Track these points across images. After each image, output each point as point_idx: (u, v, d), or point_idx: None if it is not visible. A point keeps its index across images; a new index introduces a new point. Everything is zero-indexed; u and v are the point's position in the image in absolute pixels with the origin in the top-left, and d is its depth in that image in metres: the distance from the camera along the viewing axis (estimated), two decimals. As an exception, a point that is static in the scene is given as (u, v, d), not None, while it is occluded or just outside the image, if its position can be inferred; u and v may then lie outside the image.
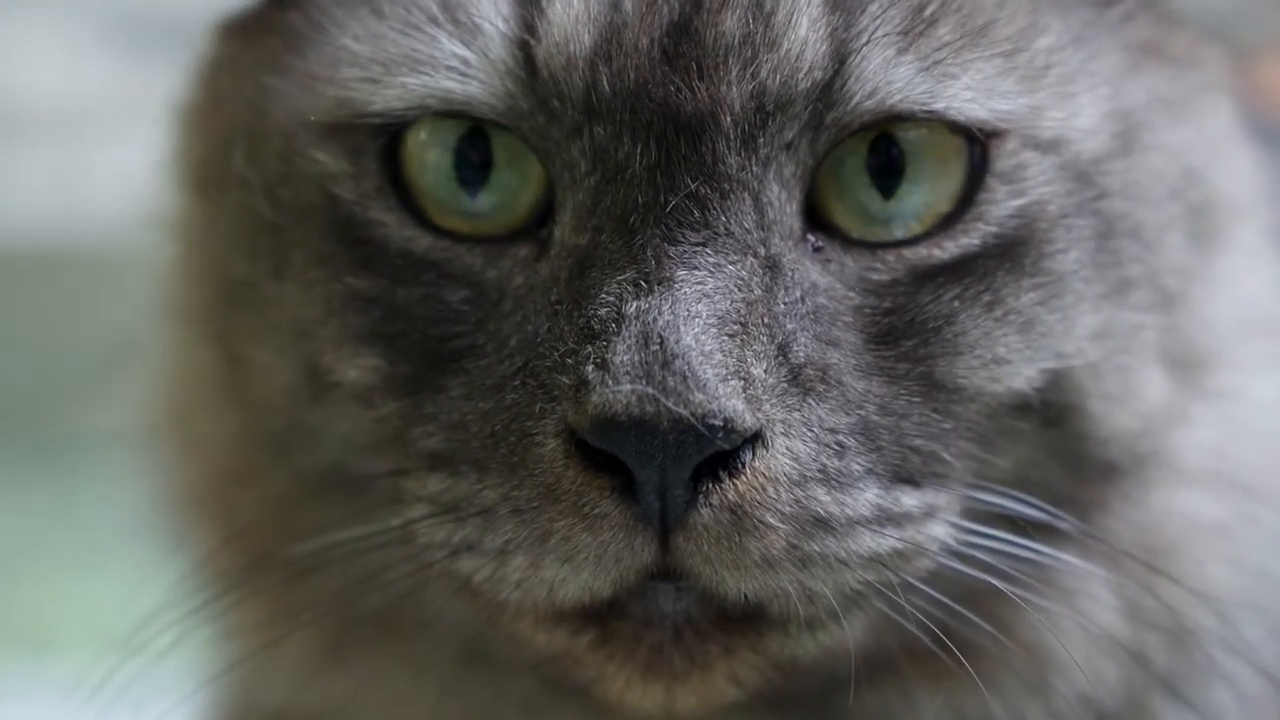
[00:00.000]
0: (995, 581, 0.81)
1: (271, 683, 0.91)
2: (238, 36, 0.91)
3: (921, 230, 0.81)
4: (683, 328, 0.76)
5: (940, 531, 0.80)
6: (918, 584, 0.80)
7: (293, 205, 0.84)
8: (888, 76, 0.79)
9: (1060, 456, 0.84)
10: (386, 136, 0.82)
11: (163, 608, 0.89)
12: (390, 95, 0.81)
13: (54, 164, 2.24)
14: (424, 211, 0.82)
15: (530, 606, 0.80)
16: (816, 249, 0.80)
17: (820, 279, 0.80)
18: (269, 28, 0.88)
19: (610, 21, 0.79)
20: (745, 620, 0.79)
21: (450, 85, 0.80)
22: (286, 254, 0.85)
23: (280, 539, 0.87)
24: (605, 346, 0.76)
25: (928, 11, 0.80)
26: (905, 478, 0.79)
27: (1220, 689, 0.87)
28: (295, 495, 0.87)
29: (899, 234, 0.81)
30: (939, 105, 0.80)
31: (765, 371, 0.77)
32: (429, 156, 0.82)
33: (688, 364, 0.75)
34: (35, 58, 2.31)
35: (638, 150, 0.78)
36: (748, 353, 0.76)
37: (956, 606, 0.81)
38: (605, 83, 0.79)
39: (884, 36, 0.79)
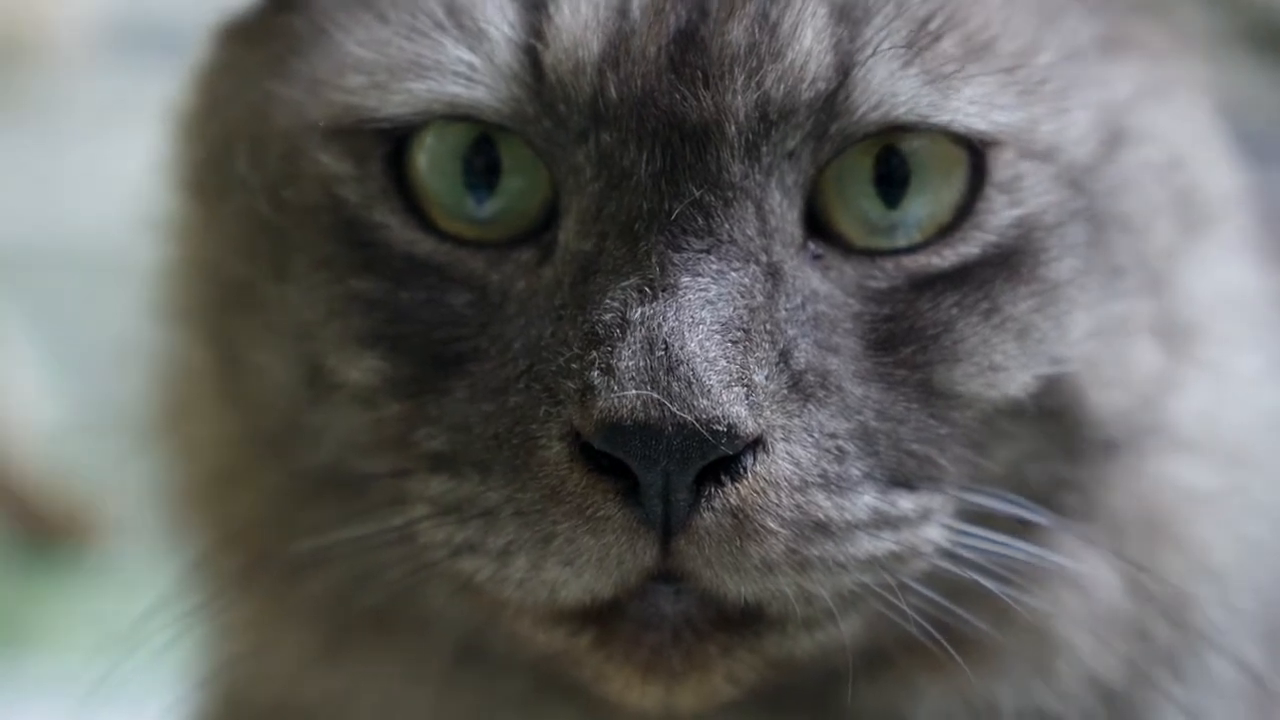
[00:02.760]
0: (988, 584, 0.82)
1: (267, 679, 0.92)
2: (237, 40, 0.91)
3: (922, 239, 0.82)
4: (687, 334, 0.77)
5: (935, 533, 0.82)
6: (913, 584, 0.82)
7: (296, 207, 0.85)
8: (893, 89, 0.80)
9: (1058, 444, 0.85)
10: (392, 141, 0.83)
11: (159, 606, 0.90)
12: (396, 101, 0.82)
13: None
14: (429, 215, 0.83)
15: (531, 606, 0.81)
16: (816, 256, 0.81)
17: (820, 286, 0.81)
18: (269, 32, 0.89)
19: (618, 28, 0.80)
20: (743, 621, 0.81)
21: (456, 90, 0.81)
22: (288, 256, 0.85)
23: (277, 538, 0.87)
24: (610, 352, 0.77)
25: (933, 25, 0.82)
26: (901, 481, 0.81)
27: (1219, 661, 0.89)
28: (293, 495, 0.87)
29: (901, 243, 0.82)
30: (944, 117, 0.81)
31: (767, 378, 0.78)
32: (436, 162, 0.83)
33: (692, 370, 0.76)
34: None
35: (643, 157, 0.79)
36: (750, 359, 0.78)
37: (952, 606, 0.82)
38: (612, 89, 0.80)
39: (889, 49, 0.81)
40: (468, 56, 0.81)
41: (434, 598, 0.85)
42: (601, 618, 0.81)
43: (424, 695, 0.88)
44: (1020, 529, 0.84)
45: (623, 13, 0.80)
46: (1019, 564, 0.84)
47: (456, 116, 0.82)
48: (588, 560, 0.78)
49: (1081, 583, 0.86)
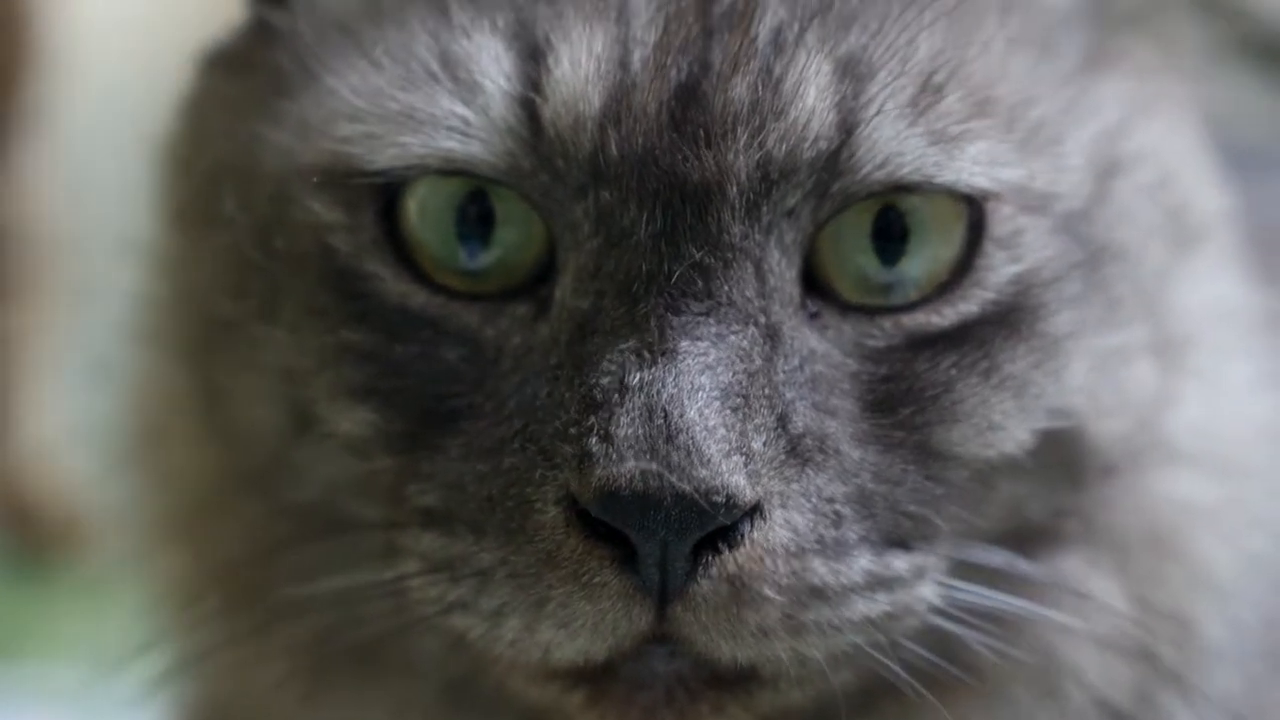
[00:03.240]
0: (983, 636, 0.82)
1: (251, 711, 0.91)
2: (222, 70, 0.90)
3: (920, 297, 0.81)
4: (686, 401, 0.76)
5: (929, 592, 0.81)
6: (907, 641, 0.81)
7: (286, 254, 0.83)
8: (899, 148, 0.79)
9: (1058, 478, 0.85)
10: (385, 191, 0.81)
11: (140, 642, 0.90)
12: (390, 155, 0.80)
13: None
14: (421, 267, 0.81)
15: (523, 664, 0.81)
16: (814, 315, 0.81)
17: (818, 345, 0.80)
18: (255, 65, 0.87)
19: (619, 81, 0.79)
20: (736, 679, 0.80)
21: (450, 145, 0.80)
22: (277, 300, 0.84)
23: (259, 578, 0.86)
24: (608, 418, 0.76)
25: (936, 79, 0.81)
26: (896, 541, 0.80)
27: (1221, 676, 0.89)
28: (275, 533, 0.86)
29: (898, 301, 0.81)
30: (948, 177, 0.80)
31: (765, 444, 0.77)
32: (428, 214, 0.81)
33: (691, 439, 0.76)
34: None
35: (643, 217, 0.78)
36: (749, 426, 0.77)
37: (955, 635, 0.82)
38: (613, 147, 0.78)
39: (894, 107, 0.80)
40: (462, 110, 0.80)
41: (421, 642, 0.85)
42: (594, 676, 0.80)
43: None
44: (1016, 580, 0.84)
45: (624, 65, 0.79)
46: (1025, 587, 0.84)
47: (450, 171, 0.80)
48: (583, 624, 0.78)
49: (1087, 604, 0.86)
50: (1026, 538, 0.85)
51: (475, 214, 0.81)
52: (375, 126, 0.81)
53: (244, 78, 0.88)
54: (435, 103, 0.80)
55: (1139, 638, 0.86)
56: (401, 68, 0.81)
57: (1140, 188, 0.87)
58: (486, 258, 0.81)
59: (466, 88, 0.80)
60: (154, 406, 0.92)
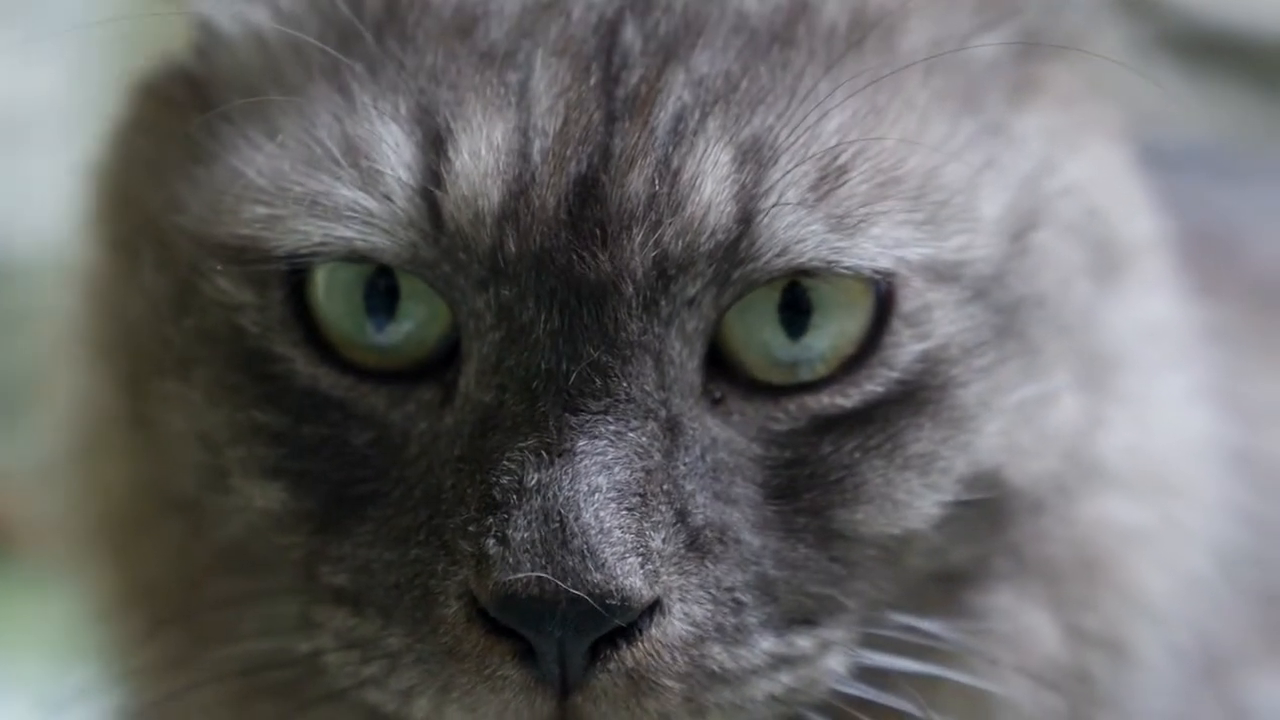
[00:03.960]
0: (898, 700, 0.83)
1: None
2: (151, 102, 0.89)
3: (827, 372, 0.81)
4: (582, 504, 0.77)
5: (835, 663, 0.82)
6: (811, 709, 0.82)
7: (198, 329, 0.84)
8: (798, 235, 0.79)
9: (980, 525, 0.85)
10: (293, 273, 0.82)
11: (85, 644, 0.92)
12: (294, 240, 0.80)
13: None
14: (331, 344, 0.82)
15: None
16: (716, 401, 0.81)
17: (720, 433, 0.80)
18: (176, 108, 0.87)
19: (518, 175, 0.79)
20: None
21: (351, 234, 0.80)
22: (192, 369, 0.85)
23: (183, 600, 0.88)
24: (506, 520, 0.77)
25: (841, 160, 0.80)
26: (800, 620, 0.81)
27: (1157, 698, 0.90)
28: (199, 559, 0.88)
29: (805, 376, 0.81)
30: (849, 262, 0.80)
31: (664, 541, 0.78)
32: (336, 292, 0.82)
33: (586, 543, 0.77)
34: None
35: (541, 316, 0.78)
36: (646, 525, 0.78)
37: (868, 697, 0.83)
38: (511, 244, 0.78)
39: (795, 196, 0.79)
40: (364, 201, 0.80)
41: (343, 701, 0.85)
42: None
43: None
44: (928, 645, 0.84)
45: (524, 156, 0.79)
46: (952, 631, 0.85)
47: (354, 258, 0.81)
48: (487, 712, 0.79)
49: (1017, 636, 0.87)
50: (949, 581, 0.86)
51: (383, 287, 0.82)
52: (280, 209, 0.81)
53: (167, 119, 0.87)
54: (336, 191, 0.80)
55: (1071, 664, 0.87)
56: (305, 150, 0.81)
57: (1064, 229, 0.86)
58: (395, 332, 0.82)
59: (368, 177, 0.80)
60: (88, 422, 0.93)
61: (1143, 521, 0.89)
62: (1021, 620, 0.87)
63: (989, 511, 0.85)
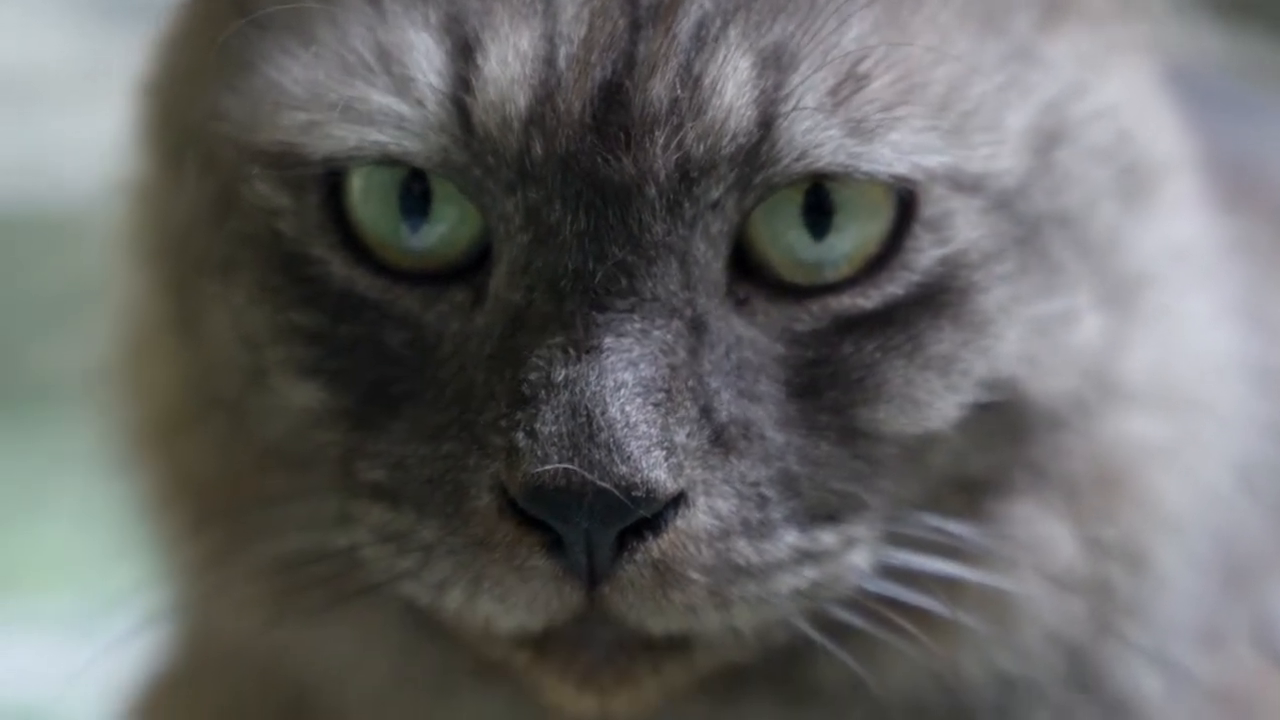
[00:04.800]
0: (918, 596, 0.85)
1: (220, 630, 0.95)
2: (192, 11, 0.91)
3: (851, 273, 0.83)
4: (609, 399, 0.79)
5: (860, 559, 0.84)
6: (837, 604, 0.84)
7: (240, 235, 0.86)
8: (817, 139, 0.80)
9: (998, 436, 0.86)
10: (328, 176, 0.84)
11: (118, 552, 0.94)
12: (330, 145, 0.82)
13: (14, 131, 2.25)
14: (366, 247, 0.84)
15: (469, 628, 0.85)
16: (741, 301, 0.82)
17: (745, 332, 0.82)
18: (216, 16, 0.88)
19: (544, 80, 0.80)
20: (672, 644, 0.84)
21: (385, 139, 0.81)
22: (233, 271, 0.87)
23: (225, 496, 0.90)
24: (535, 414, 0.79)
25: (863, 68, 0.81)
26: (824, 516, 0.83)
27: (1177, 607, 0.91)
28: (241, 455, 0.90)
29: (829, 277, 0.82)
30: (866, 167, 0.81)
31: (688, 436, 0.80)
32: (372, 195, 0.83)
33: (612, 437, 0.78)
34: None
35: (568, 218, 0.80)
36: (671, 420, 0.79)
37: (892, 594, 0.84)
38: (538, 148, 0.80)
39: (813, 100, 0.80)
40: (396, 106, 0.81)
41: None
42: (538, 640, 0.84)
43: (380, 659, 0.91)
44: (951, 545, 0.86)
45: (550, 63, 0.80)
46: (969, 536, 0.86)
47: (387, 162, 0.82)
48: (517, 602, 0.81)
49: (1036, 546, 0.88)
50: (970, 489, 0.87)
51: (417, 191, 0.83)
52: (316, 115, 0.83)
53: (208, 29, 0.89)
54: (370, 96, 0.82)
55: (1091, 574, 0.88)
56: (339, 58, 0.83)
57: (1090, 152, 0.87)
58: (429, 234, 0.83)
59: (400, 83, 0.81)
60: (137, 325, 0.95)
61: (1164, 437, 0.90)
62: (1041, 530, 0.88)
63: (1008, 424, 0.86)
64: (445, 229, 0.83)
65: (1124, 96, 0.90)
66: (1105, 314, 0.88)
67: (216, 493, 0.91)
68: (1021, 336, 0.85)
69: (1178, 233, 0.92)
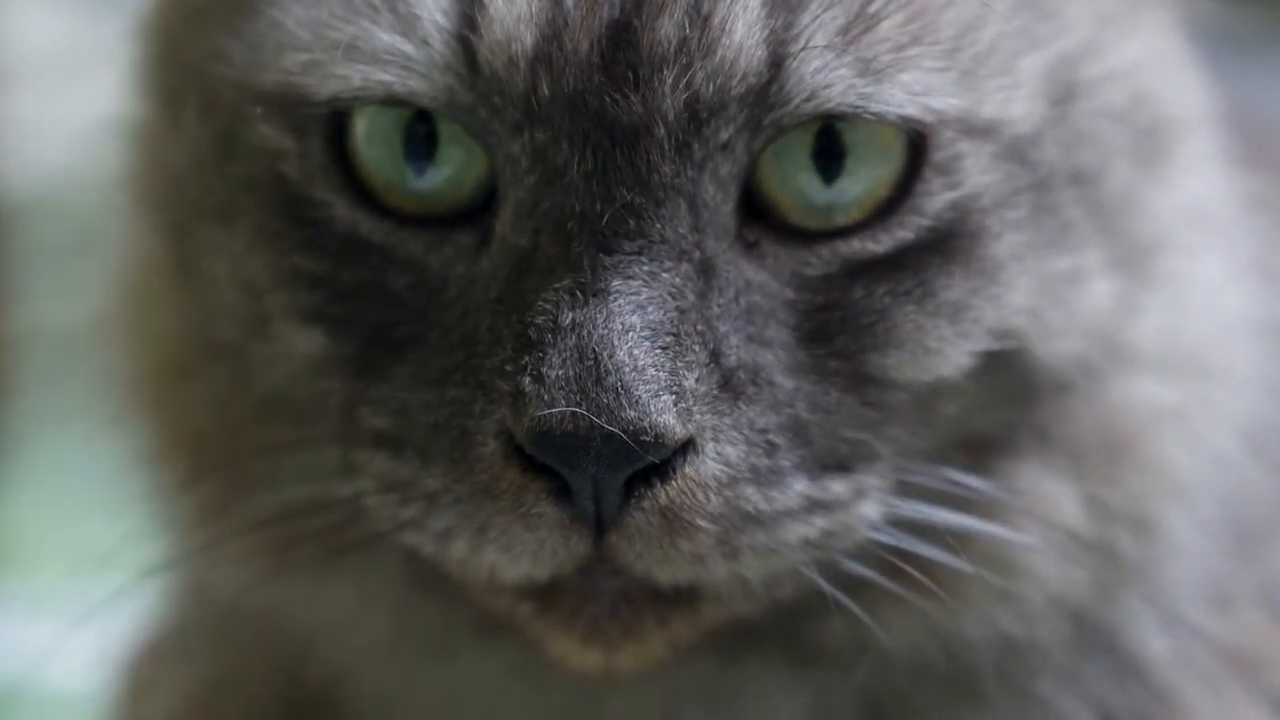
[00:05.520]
0: (928, 549, 0.84)
1: (218, 581, 0.93)
2: None
3: (861, 217, 0.82)
4: (616, 342, 0.78)
5: (870, 510, 0.83)
6: (847, 556, 0.83)
7: (241, 177, 0.85)
8: (826, 79, 0.79)
9: (1005, 395, 0.86)
10: (332, 118, 0.83)
11: (115, 499, 0.93)
12: (333, 85, 0.81)
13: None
14: (370, 190, 0.83)
15: (474, 580, 0.83)
16: (751, 245, 0.81)
17: (754, 276, 0.81)
18: None
19: (551, 19, 0.79)
20: (678, 596, 0.83)
21: (390, 78, 0.80)
22: (234, 215, 0.86)
23: (224, 447, 0.89)
24: (541, 359, 0.78)
25: (873, 8, 0.80)
26: (834, 465, 0.82)
27: (1185, 571, 0.91)
28: (242, 408, 0.88)
29: (839, 221, 0.82)
30: (876, 107, 0.80)
31: (697, 380, 0.79)
32: (376, 136, 0.82)
33: (620, 381, 0.77)
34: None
35: (575, 158, 0.79)
36: (680, 364, 0.78)
37: (903, 544, 0.84)
38: (545, 87, 0.79)
39: (823, 39, 0.79)
40: (401, 45, 0.80)
41: (384, 545, 0.86)
42: (542, 591, 0.83)
43: (379, 615, 0.90)
44: (963, 494, 0.85)
45: (557, 2, 0.79)
46: (975, 495, 0.85)
47: (392, 102, 0.81)
48: (523, 551, 0.80)
49: (1040, 507, 0.87)
50: (978, 448, 0.86)
51: (422, 133, 0.82)
52: (320, 55, 0.82)
53: None
54: (375, 36, 0.81)
55: (1095, 538, 0.88)
56: None
57: (1104, 111, 0.86)
58: (434, 177, 0.82)
59: (405, 21, 0.81)
60: (136, 272, 0.94)
61: (1172, 402, 0.89)
62: (1046, 489, 0.87)
63: (1015, 384, 0.86)
64: (451, 171, 0.82)
65: (1145, 55, 0.89)
66: (1116, 277, 0.87)
67: (215, 443, 0.90)
68: (1031, 289, 0.84)
69: (1193, 192, 0.91)
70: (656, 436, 0.77)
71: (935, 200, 0.82)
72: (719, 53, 0.79)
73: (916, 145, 0.82)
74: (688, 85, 0.79)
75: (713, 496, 0.79)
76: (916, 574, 0.84)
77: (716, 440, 0.79)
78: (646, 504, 0.79)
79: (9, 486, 1.70)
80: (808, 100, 0.80)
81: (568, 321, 0.78)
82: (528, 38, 0.79)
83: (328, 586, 0.89)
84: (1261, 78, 1.20)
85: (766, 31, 0.79)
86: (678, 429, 0.78)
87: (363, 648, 0.91)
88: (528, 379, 0.78)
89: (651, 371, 0.78)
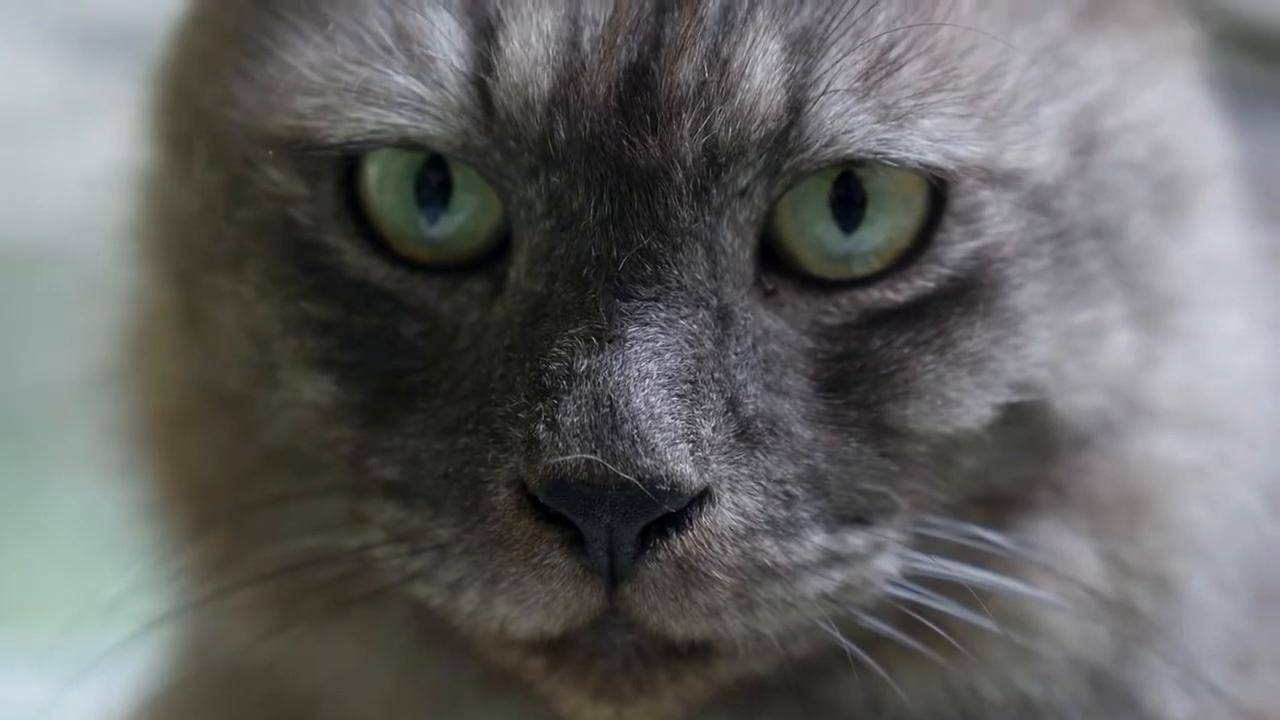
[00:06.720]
0: (945, 604, 0.83)
1: (223, 634, 0.92)
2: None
3: (881, 266, 0.81)
4: (632, 389, 0.77)
5: (887, 564, 0.82)
6: (864, 611, 0.82)
7: (251, 223, 0.84)
8: (846, 125, 0.79)
9: (1024, 450, 0.85)
10: (344, 163, 0.82)
11: (119, 553, 0.92)
12: (346, 129, 0.80)
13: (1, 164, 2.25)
14: (382, 237, 0.82)
15: (483, 633, 0.82)
16: (769, 293, 0.80)
17: (772, 324, 0.80)
18: (232, 4, 0.87)
19: (568, 62, 0.79)
20: (693, 652, 0.81)
21: (404, 121, 0.80)
22: (243, 261, 0.85)
23: (229, 497, 0.88)
24: (556, 405, 0.77)
25: (894, 54, 0.80)
26: (853, 518, 0.81)
27: (1206, 630, 0.89)
28: (246, 456, 0.88)
29: (858, 271, 0.81)
30: (896, 154, 0.79)
31: (714, 429, 0.78)
32: (388, 182, 0.82)
33: (636, 428, 0.76)
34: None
35: (591, 203, 0.78)
36: (697, 412, 0.77)
37: (922, 600, 0.82)
38: (562, 131, 0.78)
39: (843, 84, 0.79)
40: (416, 88, 0.80)
41: (391, 598, 0.85)
42: (553, 645, 0.81)
43: (386, 669, 0.89)
44: (981, 550, 0.84)
45: (574, 45, 0.79)
46: (993, 553, 0.84)
47: (406, 146, 0.81)
48: (535, 603, 0.79)
49: (1058, 566, 0.86)
50: (995, 504, 0.85)
51: (435, 180, 0.81)
52: (332, 99, 0.81)
53: (221, 12, 0.88)
54: (389, 79, 0.80)
55: (1114, 595, 0.86)
56: (356, 41, 0.81)
57: (1125, 163, 0.86)
58: (448, 224, 0.82)
59: (420, 64, 0.80)
60: (142, 318, 0.94)
61: (1191, 459, 0.88)
62: (1064, 546, 0.86)
63: (1034, 439, 0.84)
64: (464, 218, 0.81)
65: (1165, 106, 0.88)
66: (1135, 331, 0.86)
67: (220, 495, 0.89)
68: (1051, 342, 0.83)
69: (1213, 245, 0.90)
70: (673, 485, 0.76)
71: (956, 250, 0.81)
72: (738, 97, 0.78)
73: (937, 193, 0.81)
74: (706, 129, 0.78)
75: (729, 548, 0.78)
76: (935, 628, 0.83)
77: (733, 490, 0.78)
78: (662, 555, 0.77)
79: (11, 537, 1.69)
80: (828, 145, 0.79)
81: (583, 368, 0.77)
82: (544, 81, 0.78)
83: (334, 639, 0.88)
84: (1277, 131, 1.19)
85: (786, 76, 0.78)
86: (694, 478, 0.77)
87: (369, 701, 0.90)
88: (542, 426, 0.77)
89: (668, 419, 0.77)
